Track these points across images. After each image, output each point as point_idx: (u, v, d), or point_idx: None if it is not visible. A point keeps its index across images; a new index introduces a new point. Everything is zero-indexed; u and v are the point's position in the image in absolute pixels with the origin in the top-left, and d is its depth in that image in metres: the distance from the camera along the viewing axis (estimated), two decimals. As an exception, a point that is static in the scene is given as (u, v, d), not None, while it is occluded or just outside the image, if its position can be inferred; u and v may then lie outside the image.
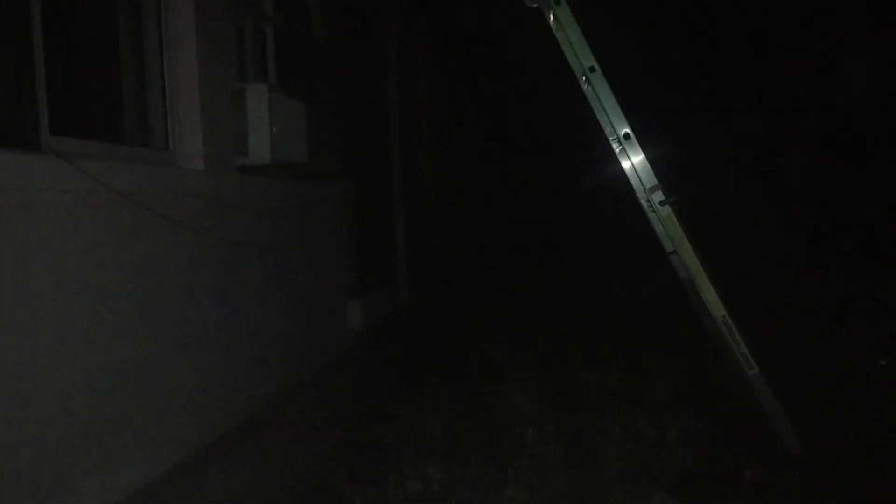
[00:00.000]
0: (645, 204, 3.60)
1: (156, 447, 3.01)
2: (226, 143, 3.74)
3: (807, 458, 3.12)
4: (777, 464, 3.00)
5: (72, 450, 2.52)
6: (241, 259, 3.79)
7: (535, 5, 3.38)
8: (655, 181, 3.56)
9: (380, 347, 5.60)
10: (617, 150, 3.67)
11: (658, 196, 3.56)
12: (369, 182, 6.38)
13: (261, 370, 4.00)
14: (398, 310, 7.03)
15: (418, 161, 8.33)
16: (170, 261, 3.13)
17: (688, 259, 3.57)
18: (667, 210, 3.56)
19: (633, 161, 3.58)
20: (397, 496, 2.21)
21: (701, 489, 2.52)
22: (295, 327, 4.51)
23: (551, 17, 3.41)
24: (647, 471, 2.55)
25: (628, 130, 3.61)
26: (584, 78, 3.53)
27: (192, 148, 3.47)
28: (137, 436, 2.89)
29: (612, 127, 3.60)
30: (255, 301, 3.97)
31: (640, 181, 3.58)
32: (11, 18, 2.48)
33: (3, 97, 2.46)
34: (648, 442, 2.71)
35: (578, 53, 3.45)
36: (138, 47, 3.38)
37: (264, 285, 4.09)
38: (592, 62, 3.48)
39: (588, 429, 2.84)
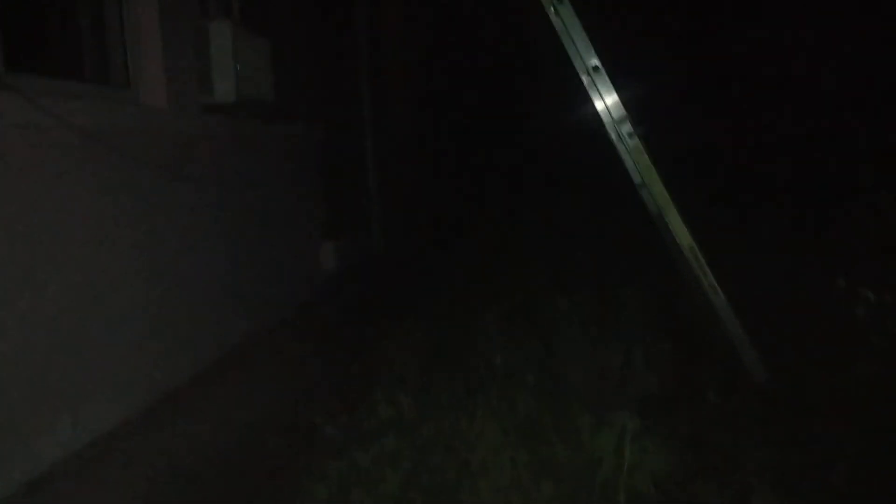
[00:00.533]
0: (614, 136, 3.60)
1: (127, 387, 3.03)
2: (189, 81, 3.66)
3: (772, 384, 3.21)
4: (741, 389, 3.08)
5: (45, 386, 2.52)
6: (207, 199, 3.75)
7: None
8: (624, 112, 3.56)
9: (354, 288, 5.63)
10: (586, 83, 3.65)
11: (627, 128, 3.56)
12: (340, 125, 6.31)
13: (233, 310, 4.00)
14: (372, 252, 7.05)
15: (390, 103, 8.23)
16: (132, 199, 3.09)
17: (656, 191, 3.59)
18: (635, 142, 3.56)
19: (603, 94, 3.56)
20: (369, 423, 2.24)
21: (666, 410, 2.58)
22: (268, 268, 4.50)
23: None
24: (614, 395, 2.62)
25: (597, 62, 3.58)
26: (552, 9, 3.49)
27: (154, 86, 3.40)
28: (105, 378, 2.90)
29: (582, 59, 3.58)
30: (224, 241, 3.95)
31: (609, 113, 3.57)
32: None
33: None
34: (616, 367, 2.77)
35: (546, -16, 3.40)
36: (94, -19, 3.28)
37: (233, 225, 4.06)
38: (561, -9, 3.44)
39: (557, 356, 2.89)
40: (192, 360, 3.54)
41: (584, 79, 3.63)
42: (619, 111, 3.59)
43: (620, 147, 3.59)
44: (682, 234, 3.56)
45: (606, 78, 3.59)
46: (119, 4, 3.33)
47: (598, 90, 3.60)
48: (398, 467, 2.02)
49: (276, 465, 2.41)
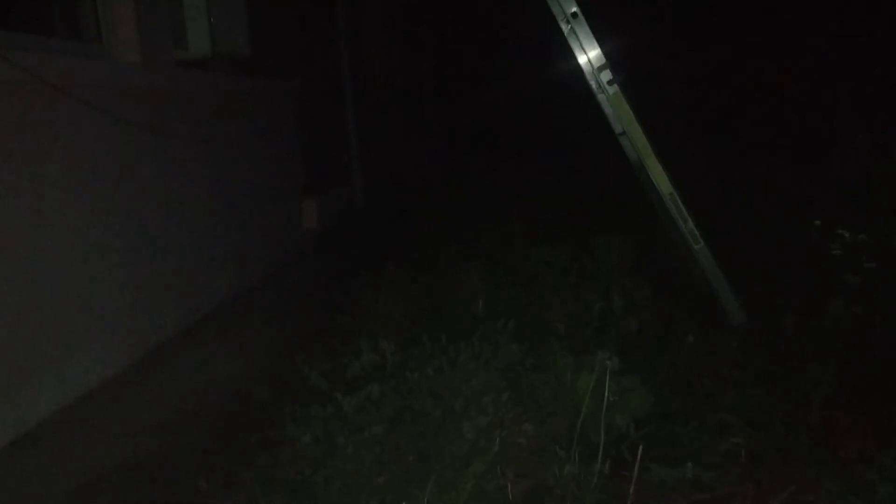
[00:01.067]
0: (594, 84, 3.58)
1: (113, 344, 3.04)
2: (162, 36, 3.60)
3: (750, 325, 3.26)
4: (720, 330, 3.13)
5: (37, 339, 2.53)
6: (184, 155, 3.72)
7: None
8: (604, 60, 3.54)
9: (336, 244, 5.63)
10: (565, 31, 3.62)
11: (606, 75, 3.54)
12: (318, 80, 6.23)
13: (215, 268, 4.00)
14: (354, 207, 7.03)
15: (369, 58, 8.13)
16: (109, 156, 3.06)
17: (637, 139, 3.59)
18: (615, 89, 3.55)
19: (581, 39, 3.54)
20: (353, 369, 2.27)
21: (644, 351, 2.62)
22: (249, 226, 4.49)
23: None
24: (595, 338, 2.65)
25: (576, 9, 3.55)
26: (528, -45, 3.45)
27: (127, 40, 3.34)
28: (91, 336, 2.90)
29: (560, 5, 3.54)
30: (203, 198, 3.93)
31: (589, 60, 3.55)
32: None
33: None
34: (596, 312, 2.80)
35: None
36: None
37: (212, 183, 4.04)
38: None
39: (538, 302, 2.92)
40: (176, 317, 3.55)
41: (563, 26, 3.60)
42: (598, 59, 3.57)
43: (600, 96, 3.58)
44: (662, 180, 3.57)
45: (585, 25, 3.56)
46: (88, -44, 3.26)
47: (577, 38, 3.58)
48: (382, 413, 2.04)
49: (262, 413, 2.44)
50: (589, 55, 3.56)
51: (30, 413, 2.53)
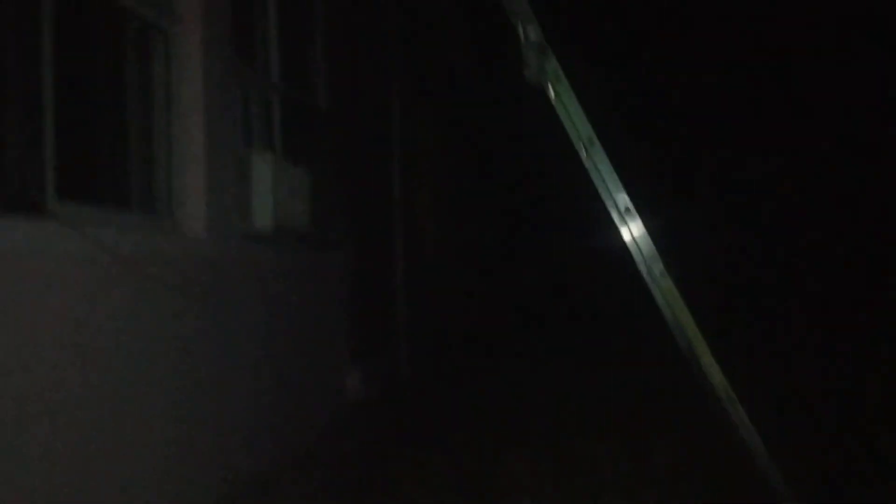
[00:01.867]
0: (645, 275, 3.60)
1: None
2: (229, 210, 3.77)
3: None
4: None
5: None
6: (238, 326, 3.77)
7: (536, 81, 3.45)
8: (655, 252, 3.57)
9: (377, 417, 5.53)
10: (618, 221, 3.69)
11: (658, 267, 3.56)
12: (371, 246, 6.41)
13: (257, 436, 3.95)
14: (398, 377, 6.97)
15: (420, 223, 8.39)
16: (166, 327, 3.12)
17: (688, 330, 3.54)
18: (667, 282, 3.55)
19: (634, 232, 3.59)
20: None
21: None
22: (291, 395, 4.47)
23: (551, 91, 3.47)
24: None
25: (628, 203, 3.63)
26: (584, 151, 3.58)
27: (195, 214, 3.50)
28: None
29: (613, 199, 3.63)
30: (251, 367, 3.94)
31: (641, 252, 3.59)
32: (25, 86, 2.55)
33: (13, 162, 2.50)
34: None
35: (578, 126, 3.50)
36: (147, 115, 3.45)
37: (260, 351, 4.07)
38: (592, 135, 3.52)
39: (587, 501, 2.79)
40: (208, 488, 3.46)
41: (616, 218, 3.67)
42: (650, 250, 3.60)
43: (652, 286, 3.58)
44: (715, 375, 3.48)
45: (638, 218, 3.62)
46: (169, 136, 3.49)
47: (629, 228, 3.64)
48: None
49: None
50: (640, 246, 3.61)
51: None
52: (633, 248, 3.55)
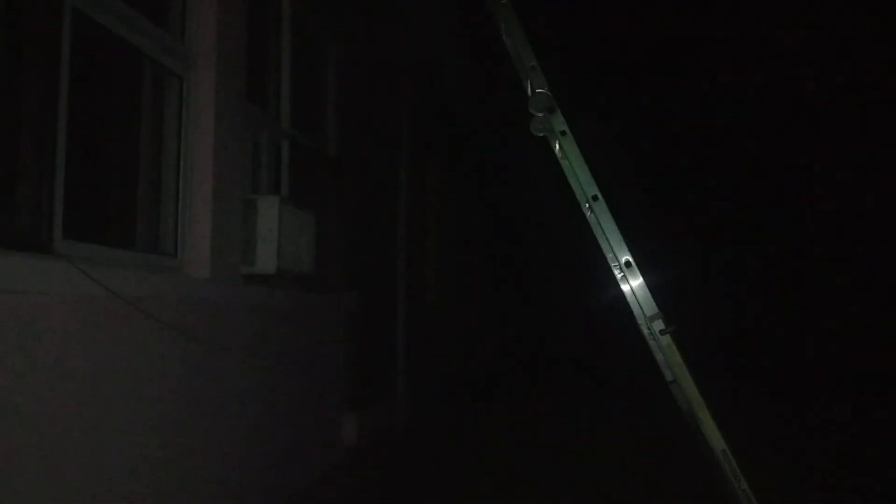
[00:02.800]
0: (646, 332, 3.59)
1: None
2: (233, 252, 3.80)
3: None
4: None
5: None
6: (236, 367, 3.77)
7: (542, 134, 3.49)
8: (656, 309, 3.56)
9: (373, 466, 5.47)
10: (619, 277, 3.70)
11: (658, 325, 3.56)
12: (373, 291, 6.42)
13: (249, 481, 3.91)
14: (395, 425, 6.91)
15: (424, 271, 8.41)
16: (165, 368, 3.12)
17: (688, 389, 3.52)
18: (667, 339, 3.54)
19: (634, 288, 3.60)
20: None
21: None
22: (286, 440, 4.44)
23: (557, 146, 3.52)
24: None
25: (629, 258, 3.64)
26: (587, 206, 3.61)
27: (200, 256, 3.53)
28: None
29: (614, 253, 3.65)
30: (247, 409, 3.92)
31: (641, 308, 3.59)
32: (40, 124, 2.60)
33: (22, 201, 2.54)
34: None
35: (581, 182, 3.53)
36: (157, 156, 3.51)
37: (258, 393, 4.05)
38: (595, 191, 3.56)
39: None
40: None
41: (616, 272, 3.69)
42: (650, 307, 3.60)
43: (651, 343, 3.58)
44: (714, 435, 3.45)
45: (638, 272, 3.64)
46: (177, 178, 3.54)
47: (629, 284, 3.65)
48: None
49: None
50: (640, 303, 3.62)
51: None
52: (633, 304, 3.56)
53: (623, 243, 3.68)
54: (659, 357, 3.63)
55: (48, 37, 2.63)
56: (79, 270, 2.49)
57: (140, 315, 2.85)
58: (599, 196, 3.62)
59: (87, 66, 2.91)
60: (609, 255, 3.70)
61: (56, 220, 2.63)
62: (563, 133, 3.46)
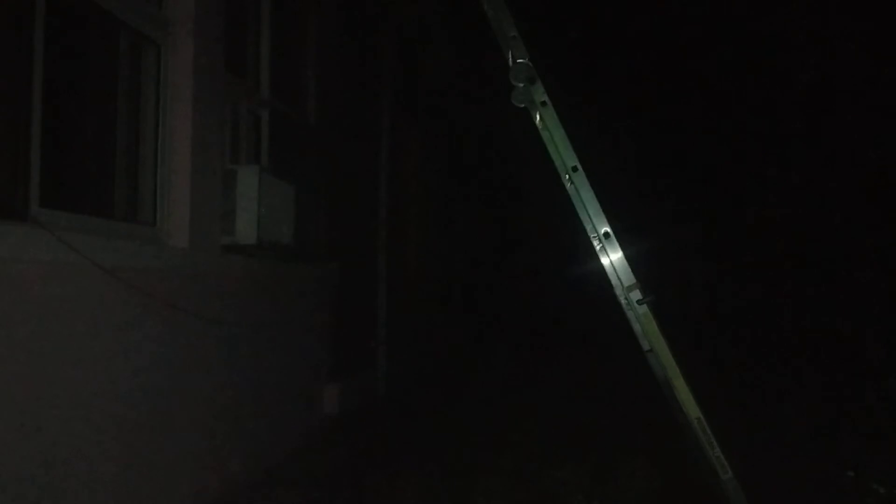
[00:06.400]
0: (623, 302, 3.63)
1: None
2: (212, 222, 3.79)
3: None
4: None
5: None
6: (216, 337, 3.78)
7: (522, 105, 3.50)
8: (634, 280, 3.60)
9: (354, 434, 5.52)
10: (597, 248, 3.73)
11: (636, 295, 3.60)
12: (354, 263, 6.43)
13: (231, 450, 3.94)
14: (376, 395, 6.96)
15: (405, 243, 8.41)
16: (142, 336, 3.12)
17: (664, 358, 3.58)
18: (644, 309, 3.59)
19: (612, 259, 3.63)
20: None
21: None
22: (269, 409, 4.46)
23: (537, 117, 3.53)
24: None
25: (608, 229, 3.67)
26: (566, 176, 3.63)
27: (179, 225, 3.51)
28: (98, 516, 2.82)
29: (593, 224, 3.67)
30: (228, 379, 3.94)
31: (619, 279, 3.63)
32: (14, 92, 2.57)
33: (-3, 168, 2.52)
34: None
35: (562, 153, 3.55)
36: (135, 125, 3.47)
37: (239, 363, 4.06)
38: (575, 162, 3.57)
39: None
40: (177, 500, 3.45)
41: (595, 243, 3.72)
42: (628, 277, 3.64)
43: (629, 313, 3.62)
44: (689, 403, 3.51)
45: (616, 244, 3.67)
46: (155, 146, 3.51)
47: (608, 254, 3.68)
48: None
49: None
50: (619, 273, 3.65)
51: None
52: (611, 274, 3.60)
53: (602, 214, 3.70)
54: (636, 327, 3.68)
55: (21, 2, 2.59)
56: (55, 238, 2.48)
57: (117, 283, 2.85)
58: (579, 167, 3.64)
59: (63, 34, 2.87)
60: (588, 226, 3.73)
61: (32, 187, 2.61)
62: (543, 104, 3.47)
